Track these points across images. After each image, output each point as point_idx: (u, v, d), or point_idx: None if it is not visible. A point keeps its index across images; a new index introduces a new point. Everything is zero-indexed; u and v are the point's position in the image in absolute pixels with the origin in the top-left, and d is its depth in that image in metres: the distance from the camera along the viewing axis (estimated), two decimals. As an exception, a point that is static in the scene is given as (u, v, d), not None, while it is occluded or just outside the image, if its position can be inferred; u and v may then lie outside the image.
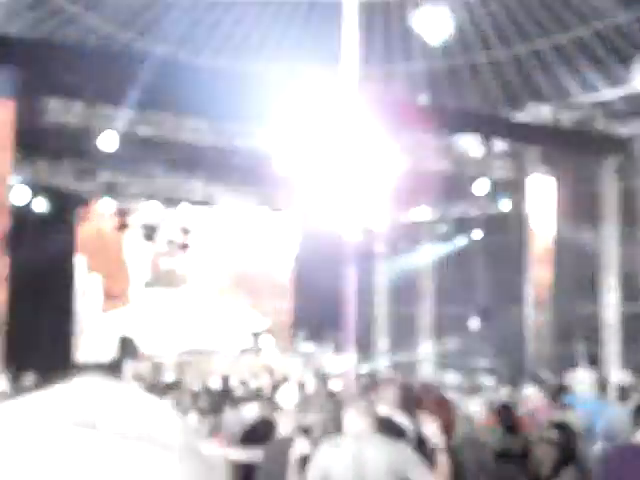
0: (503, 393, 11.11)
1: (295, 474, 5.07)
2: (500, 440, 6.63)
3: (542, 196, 17.39)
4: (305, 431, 6.07)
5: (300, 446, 5.26)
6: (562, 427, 5.95)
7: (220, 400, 9.72)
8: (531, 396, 9.66)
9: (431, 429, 5.04)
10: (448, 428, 5.58)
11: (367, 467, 4.56)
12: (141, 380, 12.62)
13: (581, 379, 12.26)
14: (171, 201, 19.06)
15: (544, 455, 5.52)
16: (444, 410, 5.98)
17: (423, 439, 5.26)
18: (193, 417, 8.35)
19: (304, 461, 5.09)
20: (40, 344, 14.91)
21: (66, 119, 14.95)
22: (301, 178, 18.47)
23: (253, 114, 14.76)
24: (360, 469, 4.56)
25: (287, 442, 5.28)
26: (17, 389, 10.96)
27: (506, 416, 7.12)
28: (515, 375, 14.95)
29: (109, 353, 17.23)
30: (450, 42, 18.06)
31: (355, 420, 4.81)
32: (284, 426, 6.47)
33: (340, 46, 16.77)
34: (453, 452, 5.29)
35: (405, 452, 4.71)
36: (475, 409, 8.27)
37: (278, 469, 5.11)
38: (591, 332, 16.95)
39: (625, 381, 11.65)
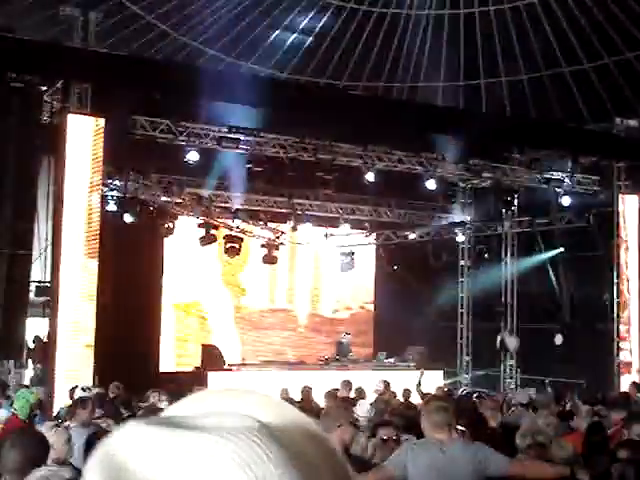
0: (584, 410, 10.74)
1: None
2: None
3: (629, 210, 16.97)
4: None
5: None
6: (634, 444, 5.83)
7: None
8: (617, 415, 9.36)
9: None
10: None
11: (448, 467, 4.74)
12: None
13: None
14: (256, 216, 19.24)
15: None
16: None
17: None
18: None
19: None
20: (126, 355, 15.18)
21: (154, 135, 15.27)
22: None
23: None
24: (441, 470, 4.74)
25: None
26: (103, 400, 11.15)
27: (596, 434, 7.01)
28: (602, 394, 14.55)
29: (193, 363, 17.46)
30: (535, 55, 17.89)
31: (433, 430, 4.95)
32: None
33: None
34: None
35: (482, 448, 4.93)
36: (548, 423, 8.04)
37: None
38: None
39: None
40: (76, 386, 11.14)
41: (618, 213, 17.06)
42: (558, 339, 19.47)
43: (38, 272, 13.83)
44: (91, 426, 7.35)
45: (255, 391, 0.73)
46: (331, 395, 11.54)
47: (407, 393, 12.72)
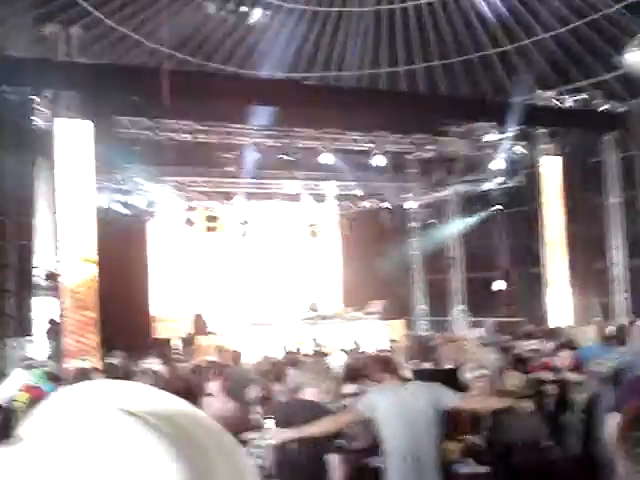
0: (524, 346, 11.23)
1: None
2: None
3: (552, 169, 17.48)
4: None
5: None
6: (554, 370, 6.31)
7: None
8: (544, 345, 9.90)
9: None
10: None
11: (410, 402, 5.03)
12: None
13: (589, 329, 12.46)
14: (229, 196, 19.51)
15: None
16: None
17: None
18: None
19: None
20: (125, 326, 15.46)
21: (135, 132, 15.49)
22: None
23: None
24: (405, 405, 5.02)
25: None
26: (109, 366, 11.53)
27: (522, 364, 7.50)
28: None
29: (184, 330, 17.81)
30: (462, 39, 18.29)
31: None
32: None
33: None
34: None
35: (438, 387, 5.22)
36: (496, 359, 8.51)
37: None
38: (602, 286, 17.12)
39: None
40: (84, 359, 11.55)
41: (543, 173, 17.60)
42: (498, 285, 20.07)
43: (47, 260, 14.06)
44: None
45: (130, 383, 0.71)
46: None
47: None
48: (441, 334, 16.02)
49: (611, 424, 5.02)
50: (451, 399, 5.13)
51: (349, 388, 6.19)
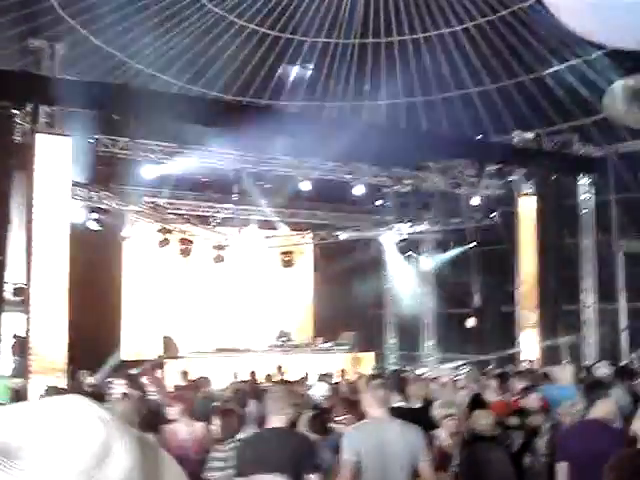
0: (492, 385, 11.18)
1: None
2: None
3: (528, 209, 17.61)
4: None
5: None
6: (522, 413, 6.30)
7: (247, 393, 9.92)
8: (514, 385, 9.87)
9: None
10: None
11: (390, 446, 4.89)
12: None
13: (563, 371, 12.47)
14: (205, 221, 19.46)
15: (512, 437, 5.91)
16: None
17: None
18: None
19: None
20: (95, 347, 15.26)
21: (114, 151, 15.42)
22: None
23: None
24: (384, 448, 4.88)
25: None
26: (75, 386, 11.37)
27: (480, 403, 7.46)
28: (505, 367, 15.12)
29: (154, 352, 17.59)
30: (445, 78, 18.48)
31: (374, 408, 5.11)
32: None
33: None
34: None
35: (417, 436, 5.03)
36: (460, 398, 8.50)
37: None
38: (573, 327, 17.21)
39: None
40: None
41: (518, 212, 17.74)
42: (470, 322, 20.14)
43: (16, 275, 13.88)
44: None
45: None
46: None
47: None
48: (412, 371, 15.95)
49: (561, 473, 5.03)
50: (422, 458, 4.98)
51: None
